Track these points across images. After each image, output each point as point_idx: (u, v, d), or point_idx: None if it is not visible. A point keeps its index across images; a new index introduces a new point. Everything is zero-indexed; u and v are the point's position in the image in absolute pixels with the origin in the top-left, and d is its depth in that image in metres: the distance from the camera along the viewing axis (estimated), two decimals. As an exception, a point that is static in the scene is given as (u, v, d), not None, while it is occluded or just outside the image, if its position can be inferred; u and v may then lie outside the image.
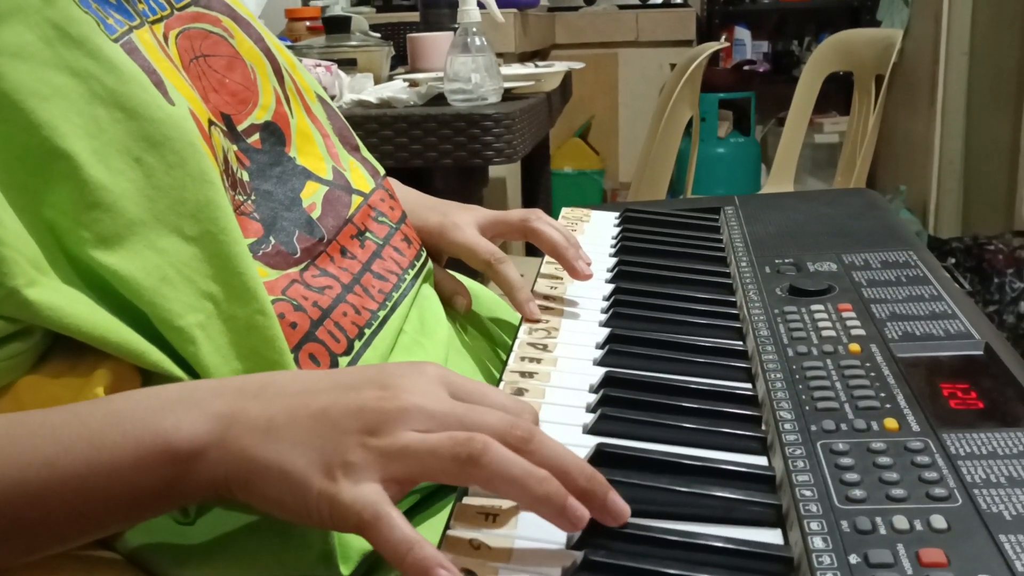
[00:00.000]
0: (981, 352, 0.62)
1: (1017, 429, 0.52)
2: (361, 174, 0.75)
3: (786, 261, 0.81)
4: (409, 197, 0.84)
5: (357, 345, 0.63)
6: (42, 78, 0.51)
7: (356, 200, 0.71)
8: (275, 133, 0.68)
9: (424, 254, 0.77)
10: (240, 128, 0.65)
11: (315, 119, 0.73)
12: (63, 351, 0.52)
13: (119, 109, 0.53)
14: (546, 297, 0.79)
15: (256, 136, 0.66)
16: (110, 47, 0.54)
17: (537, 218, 0.81)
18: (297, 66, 0.75)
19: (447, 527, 0.48)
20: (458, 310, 0.81)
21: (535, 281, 0.82)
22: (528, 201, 2.53)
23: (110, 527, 0.49)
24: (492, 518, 0.49)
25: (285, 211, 0.64)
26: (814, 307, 0.71)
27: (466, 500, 0.50)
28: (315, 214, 0.67)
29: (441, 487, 0.62)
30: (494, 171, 2.56)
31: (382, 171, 0.78)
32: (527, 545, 0.47)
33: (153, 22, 0.62)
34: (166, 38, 0.63)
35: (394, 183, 0.85)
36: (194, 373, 0.53)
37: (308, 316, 0.60)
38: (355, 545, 0.55)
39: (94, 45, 0.53)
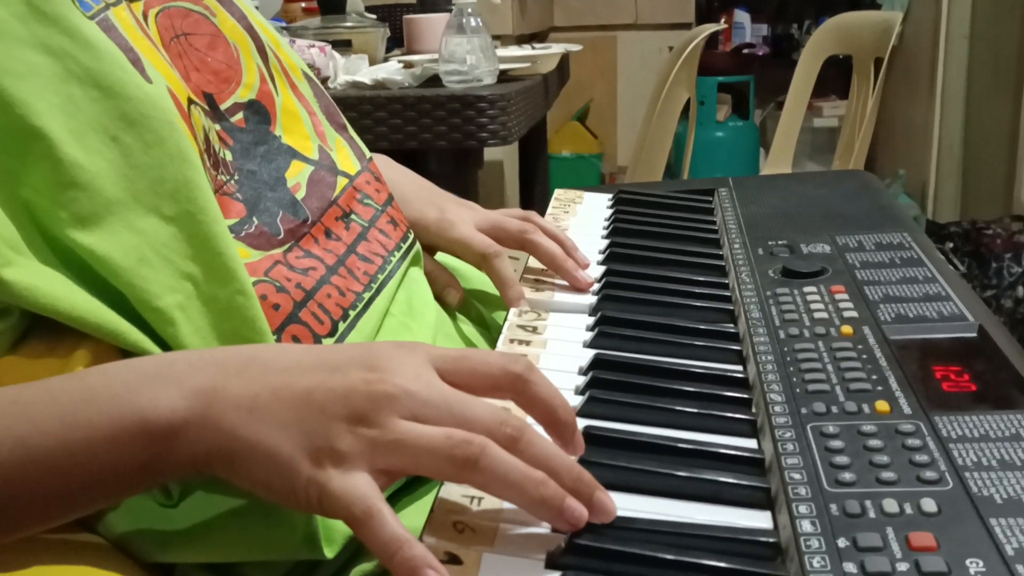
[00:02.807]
0: (975, 334, 0.62)
1: (1009, 412, 0.51)
2: (347, 155, 0.74)
3: (779, 243, 0.80)
4: (403, 183, 0.83)
5: (342, 327, 0.62)
6: (16, 56, 0.50)
7: (341, 182, 0.71)
8: (259, 112, 0.67)
9: (411, 236, 0.76)
10: (223, 107, 0.65)
11: (301, 96, 0.72)
12: (42, 332, 0.52)
13: (95, 87, 0.52)
14: (537, 278, 0.79)
15: (240, 115, 0.66)
16: (86, 24, 0.53)
17: (534, 229, 0.80)
18: (281, 43, 0.74)
19: (432, 510, 0.48)
20: (450, 303, 0.80)
21: (527, 260, 0.82)
22: (525, 185, 2.52)
23: (92, 505, 0.48)
24: (477, 501, 0.48)
25: (269, 191, 0.64)
26: (807, 289, 0.70)
27: (450, 485, 0.49)
28: (300, 195, 0.66)
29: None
30: (491, 155, 2.55)
31: (368, 154, 0.77)
32: (512, 528, 0.47)
33: (132, 0, 0.61)
34: (145, 16, 0.62)
35: (386, 162, 0.84)
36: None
37: (291, 298, 0.60)
38: (339, 528, 0.54)
39: (69, 23, 0.52)
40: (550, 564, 0.45)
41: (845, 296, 0.68)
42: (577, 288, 0.78)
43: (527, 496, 0.44)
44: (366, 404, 0.43)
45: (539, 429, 0.48)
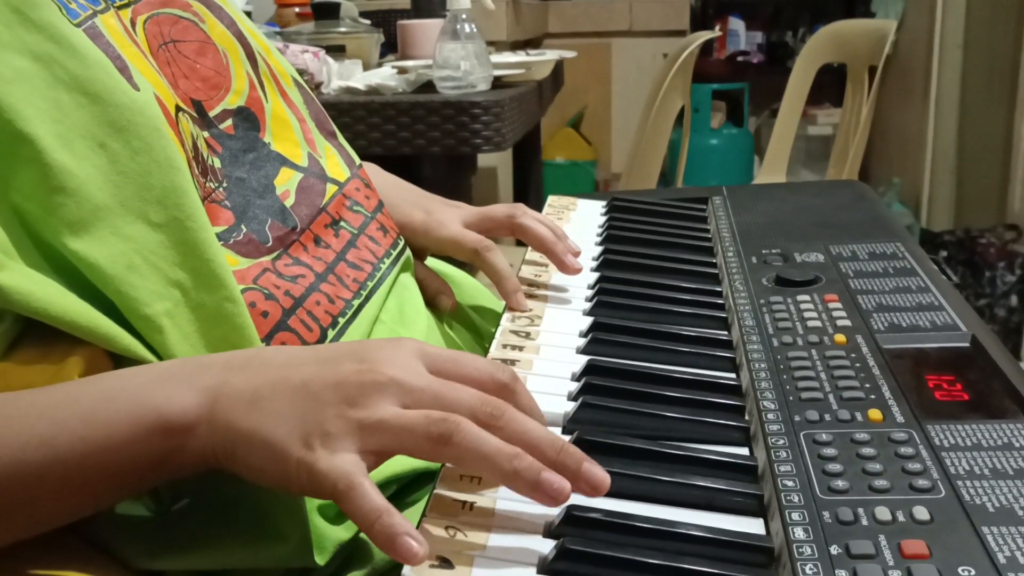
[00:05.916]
0: (967, 344, 0.62)
1: (1002, 421, 0.51)
2: (337, 162, 0.74)
3: (773, 251, 0.80)
4: (390, 188, 0.83)
5: (331, 334, 0.62)
6: (3, 61, 0.50)
7: (331, 189, 0.71)
8: (249, 118, 0.67)
9: (401, 243, 0.76)
10: (212, 114, 0.64)
11: (291, 103, 0.72)
12: (35, 338, 0.52)
13: (82, 94, 0.52)
14: (530, 284, 0.79)
15: (229, 122, 0.66)
16: (72, 32, 0.53)
17: (523, 213, 0.80)
18: (271, 50, 0.74)
19: (424, 514, 0.47)
20: (442, 310, 0.80)
21: (519, 268, 0.82)
22: (519, 191, 2.52)
23: (110, 499, 0.50)
24: (469, 506, 0.48)
25: (258, 198, 0.64)
26: (800, 297, 0.70)
27: (442, 489, 0.49)
28: (289, 202, 0.66)
29: (418, 478, 0.62)
30: (485, 161, 2.55)
31: (358, 161, 0.77)
32: (504, 533, 0.46)
33: (120, 7, 0.61)
34: (134, 24, 0.62)
35: (374, 170, 0.84)
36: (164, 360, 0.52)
37: (280, 305, 0.60)
38: (330, 536, 0.54)
39: (55, 29, 0.53)
40: (541, 569, 0.44)
41: (838, 305, 0.68)
42: (565, 272, 0.78)
43: (501, 469, 0.45)
44: (356, 390, 0.46)
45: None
